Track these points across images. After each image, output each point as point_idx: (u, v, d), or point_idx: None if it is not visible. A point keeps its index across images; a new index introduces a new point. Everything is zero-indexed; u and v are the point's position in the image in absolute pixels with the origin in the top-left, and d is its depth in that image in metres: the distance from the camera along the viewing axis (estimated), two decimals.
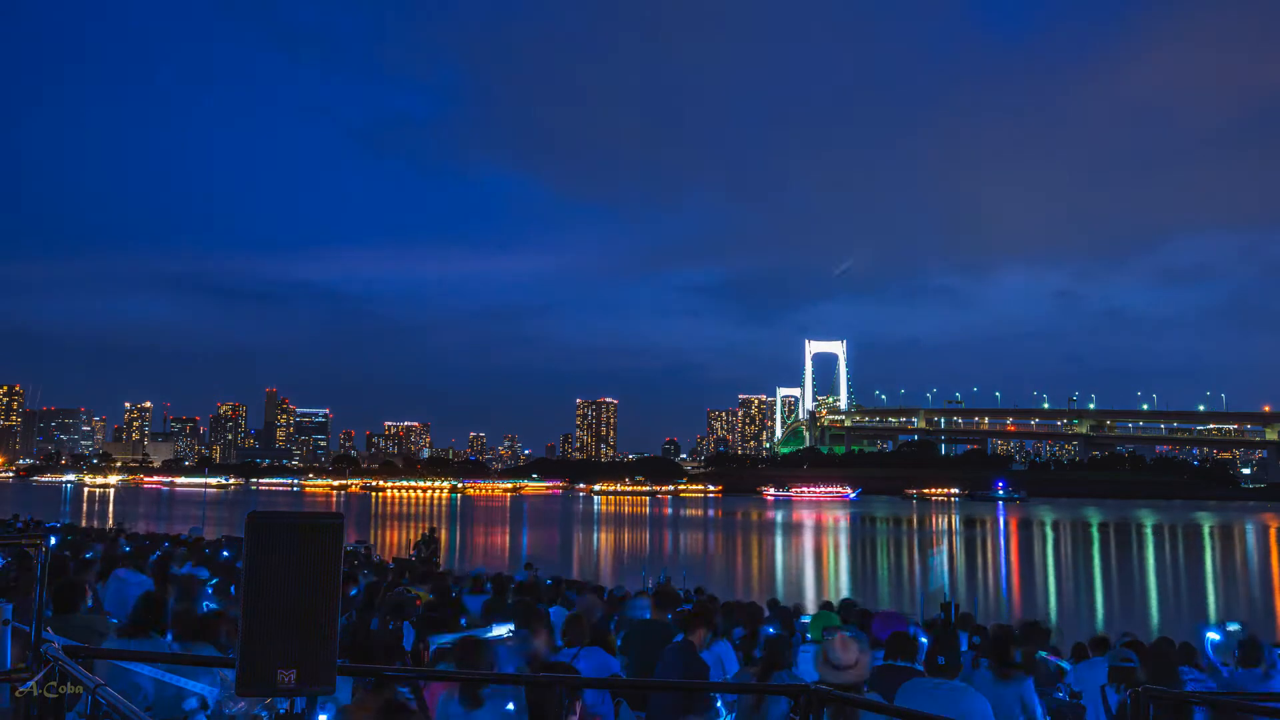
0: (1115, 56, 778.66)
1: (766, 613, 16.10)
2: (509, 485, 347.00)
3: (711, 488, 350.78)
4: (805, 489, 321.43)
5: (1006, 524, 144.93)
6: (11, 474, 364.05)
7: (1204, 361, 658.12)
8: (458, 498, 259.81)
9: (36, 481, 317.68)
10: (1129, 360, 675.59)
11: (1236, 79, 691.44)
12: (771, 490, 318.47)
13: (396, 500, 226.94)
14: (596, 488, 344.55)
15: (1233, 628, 11.67)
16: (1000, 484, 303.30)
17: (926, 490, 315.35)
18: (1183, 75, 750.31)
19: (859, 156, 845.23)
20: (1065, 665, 12.66)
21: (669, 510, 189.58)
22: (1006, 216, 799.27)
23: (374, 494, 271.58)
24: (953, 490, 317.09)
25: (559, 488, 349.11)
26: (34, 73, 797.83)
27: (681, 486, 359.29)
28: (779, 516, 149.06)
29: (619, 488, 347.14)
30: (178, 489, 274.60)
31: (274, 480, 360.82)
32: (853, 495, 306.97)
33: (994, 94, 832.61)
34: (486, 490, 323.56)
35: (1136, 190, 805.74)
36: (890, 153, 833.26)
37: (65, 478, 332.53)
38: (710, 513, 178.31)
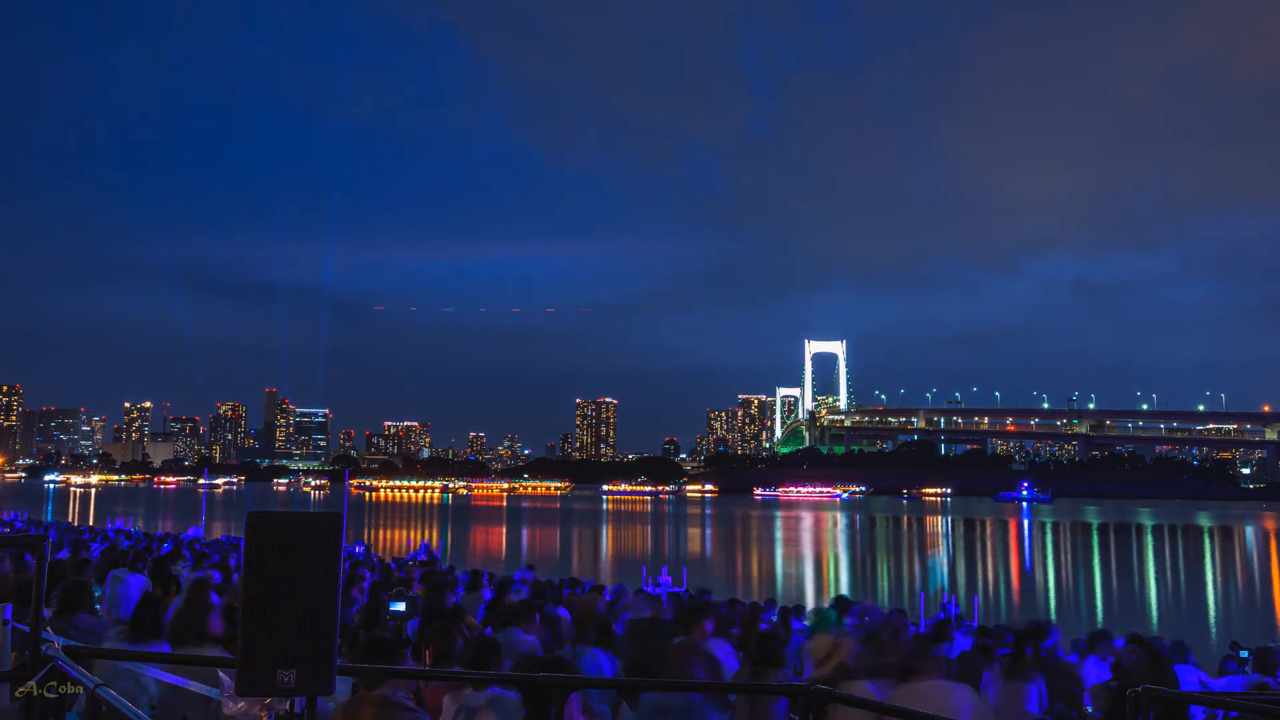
0: (1148, 25, 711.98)
1: (772, 612, 16.10)
2: (505, 485, 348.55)
3: (709, 487, 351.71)
4: (793, 489, 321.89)
5: (983, 525, 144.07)
6: (23, 475, 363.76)
7: (1205, 360, 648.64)
8: (449, 498, 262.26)
9: (63, 482, 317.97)
10: (1131, 358, 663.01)
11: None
12: (760, 490, 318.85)
13: (390, 501, 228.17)
14: (604, 488, 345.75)
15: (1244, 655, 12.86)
16: (1026, 485, 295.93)
17: (926, 491, 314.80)
18: (1219, 47, 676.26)
19: (866, 126, 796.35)
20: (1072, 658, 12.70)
21: (669, 510, 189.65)
22: (1020, 200, 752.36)
23: (367, 494, 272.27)
24: (947, 490, 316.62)
25: (560, 488, 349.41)
26: (35, 60, 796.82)
27: (684, 487, 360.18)
28: (754, 520, 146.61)
29: (623, 488, 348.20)
30: (211, 488, 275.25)
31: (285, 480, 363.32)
32: (843, 496, 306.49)
33: (1015, 61, 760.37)
34: (485, 490, 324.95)
35: (1162, 174, 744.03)
36: (900, 126, 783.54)
37: (62, 477, 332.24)
38: (708, 512, 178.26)
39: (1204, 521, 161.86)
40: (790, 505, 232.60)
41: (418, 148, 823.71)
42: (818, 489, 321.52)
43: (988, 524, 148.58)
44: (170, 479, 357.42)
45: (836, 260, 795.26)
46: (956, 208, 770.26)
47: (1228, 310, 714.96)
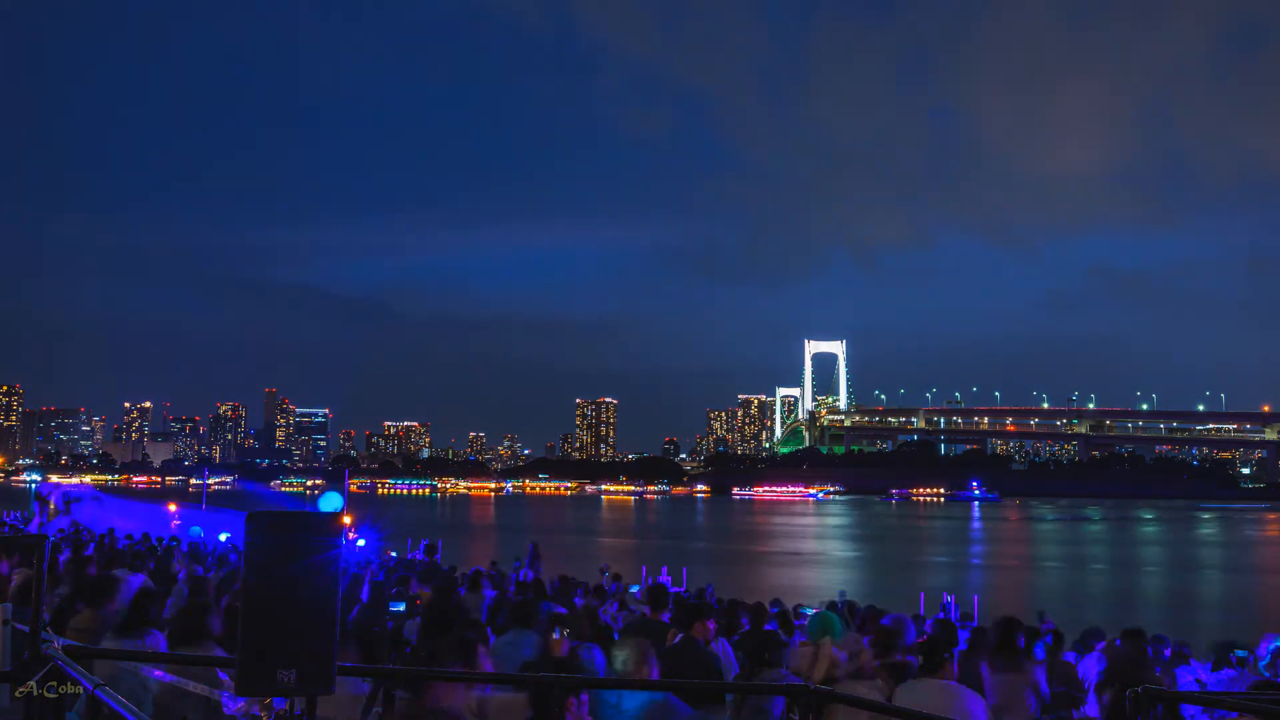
0: None
1: (774, 611, 16.09)
2: (496, 484, 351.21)
3: (700, 488, 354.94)
4: (768, 489, 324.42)
5: (984, 524, 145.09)
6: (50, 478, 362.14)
7: (1207, 358, 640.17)
8: (437, 495, 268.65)
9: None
10: (1134, 355, 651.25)
11: None
12: (738, 491, 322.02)
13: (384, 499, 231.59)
14: (601, 487, 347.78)
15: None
16: (975, 484, 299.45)
17: (916, 491, 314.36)
18: None
19: (877, 89, 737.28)
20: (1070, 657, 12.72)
21: (665, 511, 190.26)
22: (1042, 174, 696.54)
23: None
24: (939, 490, 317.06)
25: (572, 488, 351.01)
26: (30, 59, 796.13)
27: (672, 488, 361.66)
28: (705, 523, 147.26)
29: (618, 488, 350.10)
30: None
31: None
32: (817, 496, 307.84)
33: (1047, 19, 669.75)
34: (478, 489, 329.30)
35: (1200, 150, 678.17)
36: (915, 90, 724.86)
37: (38, 478, 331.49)
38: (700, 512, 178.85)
39: (1204, 521, 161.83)
40: (762, 509, 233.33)
41: (412, 142, 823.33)
42: (792, 488, 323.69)
43: (974, 524, 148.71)
44: (155, 479, 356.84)
45: (839, 240, 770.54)
46: (972, 181, 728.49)
47: (1246, 304, 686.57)
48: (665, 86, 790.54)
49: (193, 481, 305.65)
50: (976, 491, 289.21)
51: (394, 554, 34.45)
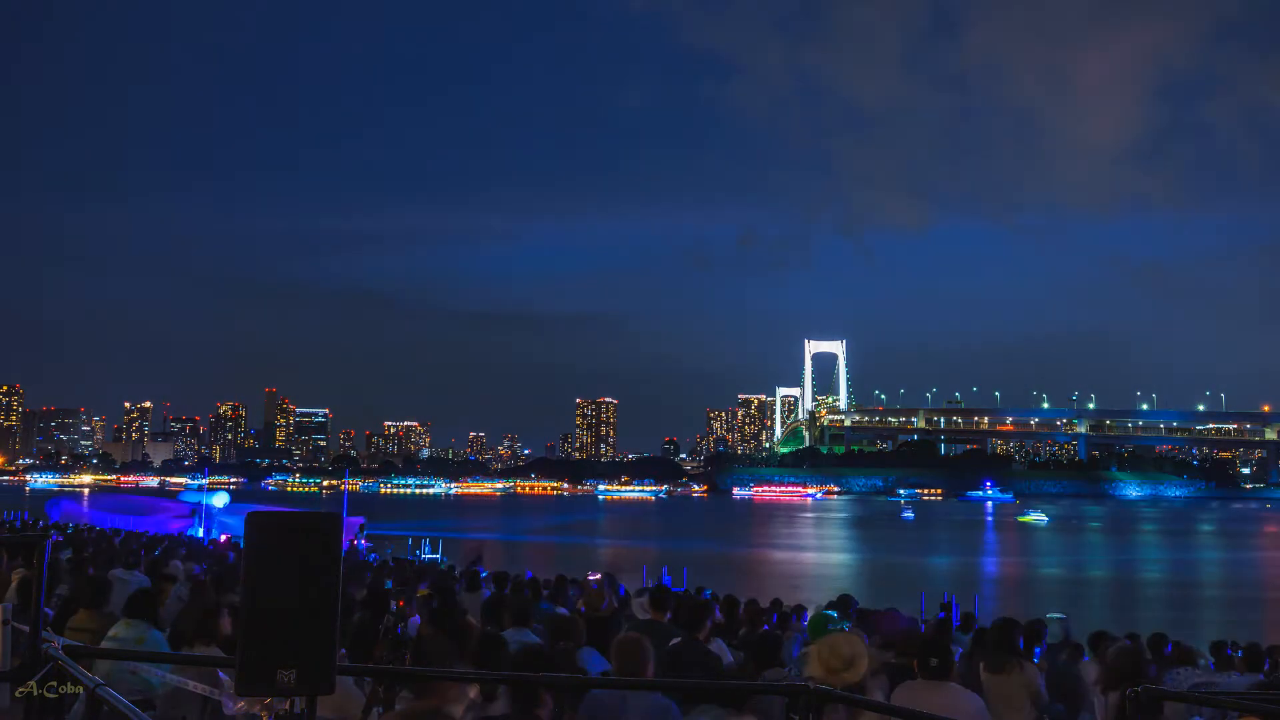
0: None
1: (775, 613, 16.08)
2: (498, 485, 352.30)
3: (697, 488, 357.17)
4: (767, 489, 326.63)
5: (997, 525, 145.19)
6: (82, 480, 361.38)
7: (1204, 360, 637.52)
8: (442, 495, 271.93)
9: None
10: (1133, 355, 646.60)
11: None
12: (738, 490, 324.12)
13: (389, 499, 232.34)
14: (600, 486, 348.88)
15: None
16: (989, 484, 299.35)
17: (924, 491, 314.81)
18: None
19: (882, 44, 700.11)
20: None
21: (663, 511, 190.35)
22: (1062, 150, 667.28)
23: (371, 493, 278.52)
24: (938, 491, 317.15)
25: (555, 488, 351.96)
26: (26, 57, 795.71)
27: (675, 487, 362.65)
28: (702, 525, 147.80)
29: (614, 487, 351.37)
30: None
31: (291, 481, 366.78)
32: (818, 496, 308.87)
33: None
34: (478, 490, 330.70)
35: (1238, 120, 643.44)
36: (925, 45, 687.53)
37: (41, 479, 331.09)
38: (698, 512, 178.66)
39: (1204, 521, 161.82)
40: (760, 508, 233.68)
41: (412, 142, 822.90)
42: (790, 489, 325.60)
43: (979, 524, 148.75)
44: (142, 478, 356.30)
45: (839, 229, 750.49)
46: (978, 162, 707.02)
47: (1256, 296, 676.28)
48: (665, 80, 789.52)
49: (173, 480, 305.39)
50: (989, 491, 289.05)
51: (375, 553, 34.54)
